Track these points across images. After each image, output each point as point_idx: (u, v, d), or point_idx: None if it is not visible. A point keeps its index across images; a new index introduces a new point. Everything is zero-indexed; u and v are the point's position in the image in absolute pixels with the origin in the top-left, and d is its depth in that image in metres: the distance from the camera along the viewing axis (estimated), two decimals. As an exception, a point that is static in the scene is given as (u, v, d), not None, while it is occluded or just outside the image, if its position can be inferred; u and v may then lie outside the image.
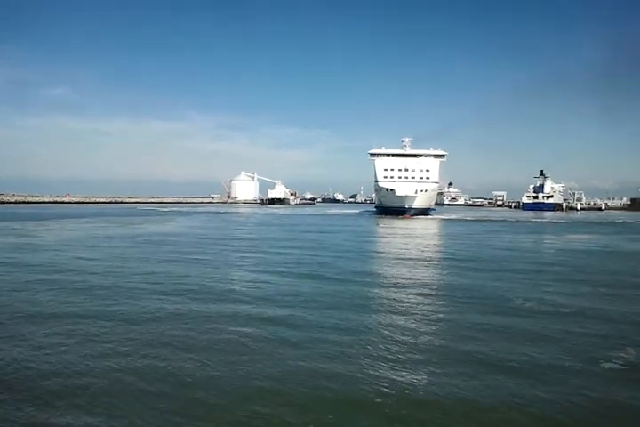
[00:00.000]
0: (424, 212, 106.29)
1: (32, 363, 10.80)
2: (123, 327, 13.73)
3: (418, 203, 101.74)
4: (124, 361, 11.00)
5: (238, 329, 13.66)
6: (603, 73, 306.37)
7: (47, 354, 11.40)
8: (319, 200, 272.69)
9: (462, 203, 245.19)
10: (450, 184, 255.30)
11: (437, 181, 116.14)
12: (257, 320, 14.66)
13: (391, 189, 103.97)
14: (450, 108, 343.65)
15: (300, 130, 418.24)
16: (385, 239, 49.93)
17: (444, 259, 31.42)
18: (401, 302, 17.58)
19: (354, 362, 11.08)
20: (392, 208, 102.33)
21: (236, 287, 20.14)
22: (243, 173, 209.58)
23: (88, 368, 10.57)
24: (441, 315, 15.80)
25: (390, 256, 32.93)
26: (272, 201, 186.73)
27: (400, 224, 74.17)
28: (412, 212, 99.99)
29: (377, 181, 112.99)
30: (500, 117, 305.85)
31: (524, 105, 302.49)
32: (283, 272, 23.91)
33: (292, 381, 10.03)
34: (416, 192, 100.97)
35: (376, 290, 19.97)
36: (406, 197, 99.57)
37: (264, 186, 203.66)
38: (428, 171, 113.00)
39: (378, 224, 76.71)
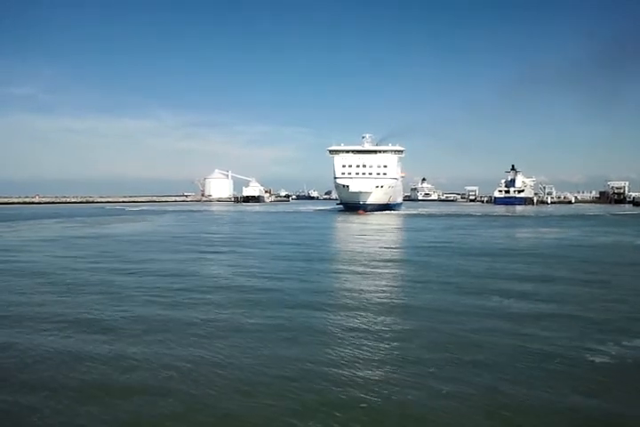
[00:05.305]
0: (384, 207, 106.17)
1: None
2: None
3: (374, 199, 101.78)
4: None
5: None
6: (573, 71, 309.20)
7: None
8: (294, 197, 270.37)
9: (435, 198, 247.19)
10: (423, 180, 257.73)
11: (396, 176, 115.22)
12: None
13: (346, 186, 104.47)
14: (425, 106, 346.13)
15: (274, 127, 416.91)
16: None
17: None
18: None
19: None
20: (349, 204, 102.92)
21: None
22: (217, 170, 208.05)
23: None
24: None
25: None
26: (246, 199, 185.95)
27: (356, 220, 74.23)
28: (369, 208, 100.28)
29: (335, 178, 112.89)
30: (474, 114, 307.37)
31: (495, 102, 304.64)
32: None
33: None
34: (372, 188, 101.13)
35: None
36: (360, 193, 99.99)
37: (238, 184, 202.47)
38: (385, 167, 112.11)
39: (325, 221, 76.71)
